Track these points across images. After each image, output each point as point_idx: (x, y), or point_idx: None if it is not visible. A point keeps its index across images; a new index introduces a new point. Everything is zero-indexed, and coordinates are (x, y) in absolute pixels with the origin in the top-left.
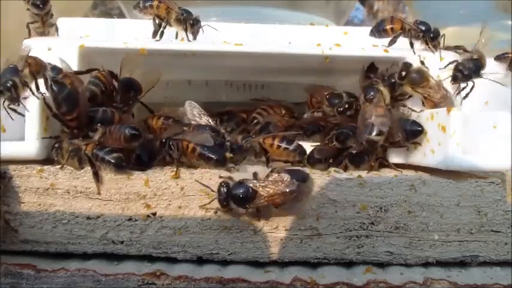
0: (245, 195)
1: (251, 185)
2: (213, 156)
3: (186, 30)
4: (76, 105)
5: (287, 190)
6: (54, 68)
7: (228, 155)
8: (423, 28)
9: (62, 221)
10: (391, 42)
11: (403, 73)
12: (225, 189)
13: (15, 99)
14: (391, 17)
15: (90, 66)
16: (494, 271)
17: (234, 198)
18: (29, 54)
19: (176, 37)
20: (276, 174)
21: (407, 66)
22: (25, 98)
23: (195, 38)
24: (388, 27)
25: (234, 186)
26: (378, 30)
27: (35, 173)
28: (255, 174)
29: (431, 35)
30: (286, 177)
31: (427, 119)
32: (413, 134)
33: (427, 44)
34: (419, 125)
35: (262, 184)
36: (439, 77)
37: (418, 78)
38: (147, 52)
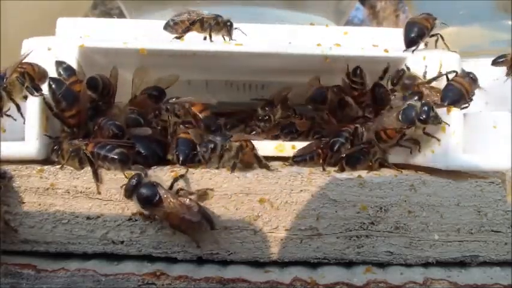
0: (149, 198)
1: (161, 192)
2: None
3: (220, 32)
4: (76, 101)
5: (190, 218)
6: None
7: None
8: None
9: (62, 221)
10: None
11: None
12: (135, 182)
13: None
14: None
15: (90, 66)
16: (494, 271)
17: (138, 195)
18: (26, 61)
19: (210, 39)
20: (187, 199)
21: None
22: (25, 97)
23: (231, 39)
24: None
25: (145, 184)
26: (418, 34)
27: (35, 173)
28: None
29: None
30: (194, 205)
31: None
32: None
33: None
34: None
35: (171, 198)
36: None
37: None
38: (146, 52)
